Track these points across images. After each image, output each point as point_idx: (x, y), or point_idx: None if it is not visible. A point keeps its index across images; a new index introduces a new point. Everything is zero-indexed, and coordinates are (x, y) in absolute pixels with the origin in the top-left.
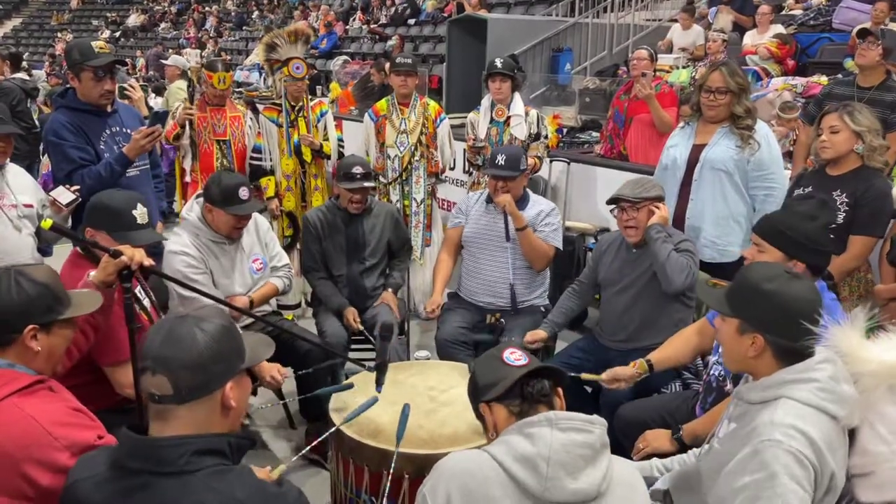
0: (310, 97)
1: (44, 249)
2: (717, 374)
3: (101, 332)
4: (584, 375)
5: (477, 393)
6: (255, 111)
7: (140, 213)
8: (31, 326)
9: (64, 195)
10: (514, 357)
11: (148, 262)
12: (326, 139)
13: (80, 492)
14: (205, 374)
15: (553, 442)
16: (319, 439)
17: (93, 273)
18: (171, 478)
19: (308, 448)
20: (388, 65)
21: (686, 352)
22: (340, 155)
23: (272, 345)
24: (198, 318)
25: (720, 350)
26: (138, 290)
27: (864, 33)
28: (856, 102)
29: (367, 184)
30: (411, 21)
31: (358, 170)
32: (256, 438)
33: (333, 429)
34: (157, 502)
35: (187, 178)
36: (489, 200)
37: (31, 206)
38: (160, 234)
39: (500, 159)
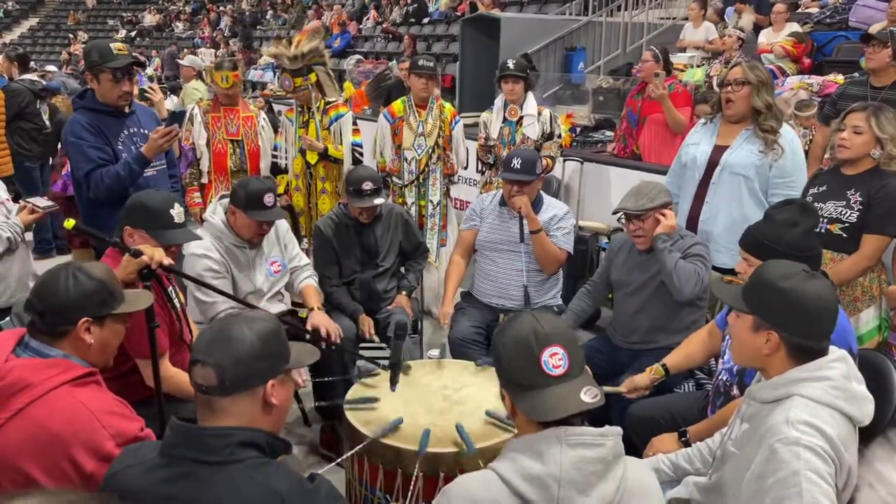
0: (326, 100)
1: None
2: (724, 379)
3: (133, 328)
4: (606, 389)
5: (501, 376)
6: (271, 110)
7: (177, 212)
8: (84, 319)
9: (40, 201)
10: (553, 362)
11: (167, 261)
12: (341, 143)
13: (125, 478)
14: (248, 369)
15: (563, 461)
16: (354, 450)
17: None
18: (215, 467)
19: (345, 456)
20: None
21: (699, 354)
22: (357, 161)
23: (316, 353)
24: (248, 318)
25: (727, 353)
26: (170, 290)
27: (866, 38)
28: (885, 105)
29: (377, 200)
30: (424, 20)
31: (368, 185)
32: (290, 443)
33: (368, 440)
34: (201, 490)
35: (204, 180)
36: (503, 203)
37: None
38: (196, 234)
39: (516, 163)
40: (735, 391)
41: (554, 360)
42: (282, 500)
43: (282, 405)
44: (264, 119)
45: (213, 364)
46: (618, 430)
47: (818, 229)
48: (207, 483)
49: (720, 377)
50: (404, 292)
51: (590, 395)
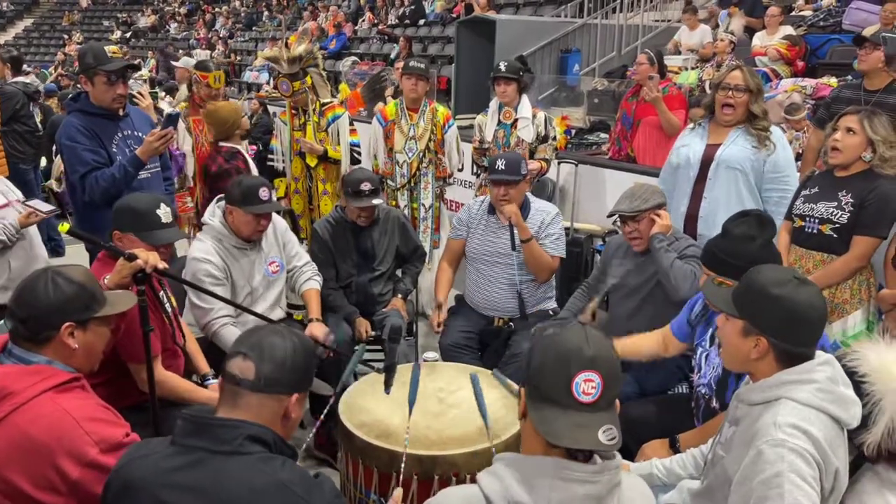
0: (322, 101)
1: (55, 248)
2: (703, 392)
3: (125, 332)
4: None
5: (525, 375)
6: (266, 111)
7: (164, 212)
8: (67, 324)
9: (42, 205)
10: (584, 389)
11: (162, 265)
12: (339, 144)
13: (134, 469)
14: (285, 375)
15: (552, 496)
16: (327, 407)
17: (108, 276)
18: (225, 456)
19: (318, 421)
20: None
21: (644, 353)
22: (356, 161)
23: (330, 389)
24: (296, 333)
25: (702, 366)
26: (161, 295)
27: (859, 41)
28: (878, 110)
29: (375, 201)
30: (420, 21)
31: (366, 186)
32: (297, 452)
33: (330, 407)
34: (211, 478)
35: (189, 183)
36: (491, 211)
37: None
38: (184, 233)
39: (501, 164)
40: (714, 403)
41: (587, 386)
42: (288, 490)
43: (296, 420)
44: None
45: (256, 359)
46: (617, 462)
47: (809, 230)
48: (218, 471)
49: (698, 389)
50: (400, 295)
51: (607, 437)
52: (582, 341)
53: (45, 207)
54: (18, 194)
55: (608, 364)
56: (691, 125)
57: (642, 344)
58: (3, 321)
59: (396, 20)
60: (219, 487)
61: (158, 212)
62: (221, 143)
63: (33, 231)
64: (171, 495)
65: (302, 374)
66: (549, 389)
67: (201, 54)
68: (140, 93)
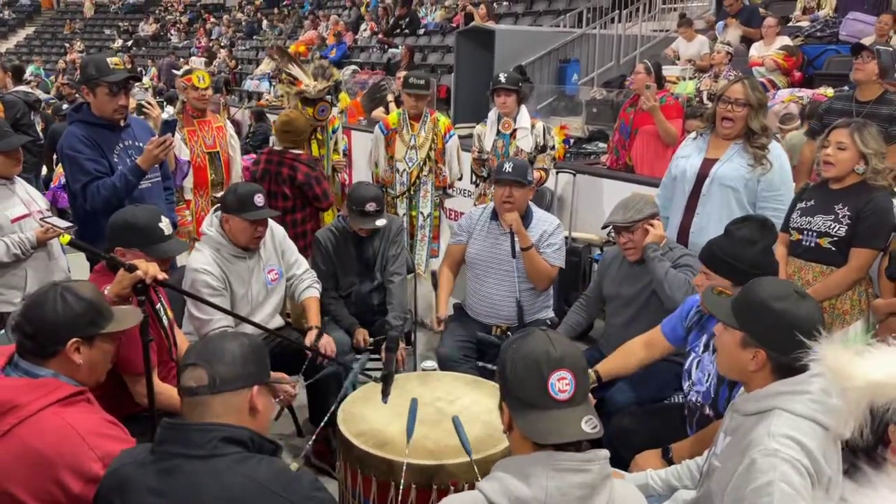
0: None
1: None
2: (695, 399)
3: (124, 343)
4: None
5: (503, 389)
6: (264, 119)
7: (165, 224)
8: (74, 340)
9: (59, 222)
10: (559, 387)
11: (162, 275)
12: (336, 152)
13: (123, 474)
14: (237, 370)
15: (549, 486)
16: (322, 424)
17: (108, 287)
18: (201, 460)
19: (312, 441)
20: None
21: (631, 364)
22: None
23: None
24: (236, 333)
25: (693, 373)
26: (158, 307)
27: (857, 50)
28: (868, 121)
29: (379, 222)
30: (420, 31)
31: (371, 206)
32: (279, 445)
33: (331, 415)
34: (189, 482)
35: (188, 196)
36: (493, 217)
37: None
38: (186, 244)
39: (508, 167)
40: (707, 410)
41: (561, 384)
42: (267, 490)
43: (265, 412)
44: (231, 128)
45: (205, 365)
46: (605, 453)
47: (807, 243)
48: (192, 475)
49: (690, 398)
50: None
51: (589, 426)
52: (547, 344)
53: (63, 224)
54: (42, 204)
55: (575, 360)
56: (693, 134)
57: (628, 363)
58: (2, 331)
59: (387, 29)
60: (194, 494)
61: (161, 225)
62: (295, 151)
63: (54, 241)
64: (151, 500)
65: (255, 366)
66: (528, 396)
67: (196, 62)
68: (149, 102)
